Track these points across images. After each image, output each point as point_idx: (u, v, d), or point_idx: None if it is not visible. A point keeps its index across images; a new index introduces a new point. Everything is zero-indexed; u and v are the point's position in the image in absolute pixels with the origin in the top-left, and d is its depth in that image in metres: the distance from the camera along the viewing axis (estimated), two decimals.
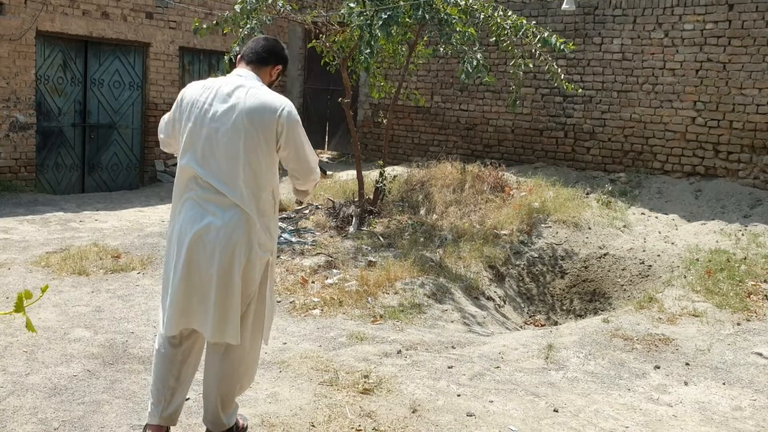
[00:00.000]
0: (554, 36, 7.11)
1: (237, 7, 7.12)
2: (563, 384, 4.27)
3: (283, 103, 3.00)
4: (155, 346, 3.10)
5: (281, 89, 13.20)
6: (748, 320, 5.33)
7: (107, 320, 4.87)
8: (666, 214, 8.38)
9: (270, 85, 3.17)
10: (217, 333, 2.94)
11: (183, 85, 11.74)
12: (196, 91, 3.05)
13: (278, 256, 6.51)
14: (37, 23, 9.77)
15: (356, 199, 8.02)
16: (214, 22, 7.50)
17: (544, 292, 7.27)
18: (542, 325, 6.64)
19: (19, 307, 1.61)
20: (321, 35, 8.13)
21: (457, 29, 6.80)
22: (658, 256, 7.05)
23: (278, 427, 3.46)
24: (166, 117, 3.21)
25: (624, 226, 7.95)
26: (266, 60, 3.15)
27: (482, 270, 6.94)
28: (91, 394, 3.71)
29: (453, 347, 4.83)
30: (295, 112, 3.02)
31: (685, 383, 4.35)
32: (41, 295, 1.66)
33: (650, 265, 6.96)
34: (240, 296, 2.95)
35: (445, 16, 6.88)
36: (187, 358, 3.09)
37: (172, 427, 3.21)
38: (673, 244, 7.34)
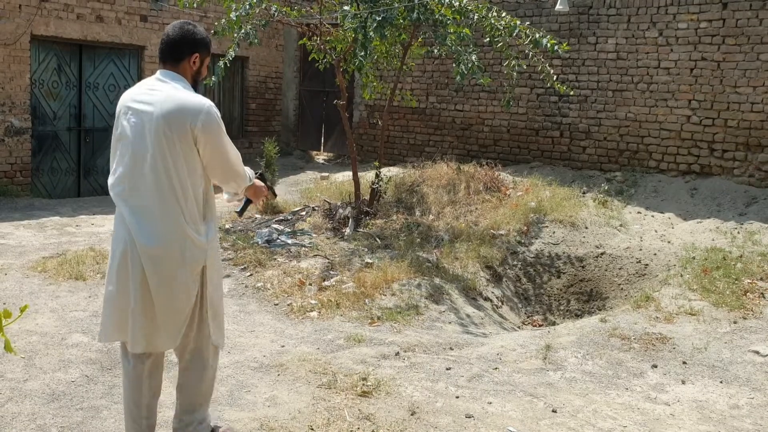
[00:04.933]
0: (546, 37, 7.11)
1: (232, 15, 7.12)
2: (561, 384, 4.28)
3: (201, 106, 2.78)
4: (123, 365, 3.02)
5: (277, 91, 13.19)
6: (745, 318, 5.34)
7: None
8: (662, 212, 8.40)
9: (197, 77, 2.97)
10: (149, 344, 2.87)
11: None
12: (125, 98, 2.92)
13: (275, 258, 6.51)
14: (32, 27, 9.75)
15: (352, 201, 8.02)
16: (212, 32, 7.51)
17: (541, 292, 7.27)
18: (540, 326, 6.64)
19: None
20: (314, 36, 8.13)
21: (451, 30, 6.80)
22: (655, 254, 7.06)
23: (277, 431, 3.46)
24: None
25: (620, 225, 7.96)
26: (178, 54, 2.89)
27: (479, 270, 6.94)
28: (89, 400, 3.71)
29: (451, 348, 4.83)
30: (214, 113, 2.81)
31: (683, 382, 4.36)
32: (20, 315, 1.63)
33: (647, 264, 6.98)
34: (175, 305, 2.85)
35: (440, 17, 6.88)
36: (154, 370, 3.02)
37: None
38: (669, 242, 7.36)
